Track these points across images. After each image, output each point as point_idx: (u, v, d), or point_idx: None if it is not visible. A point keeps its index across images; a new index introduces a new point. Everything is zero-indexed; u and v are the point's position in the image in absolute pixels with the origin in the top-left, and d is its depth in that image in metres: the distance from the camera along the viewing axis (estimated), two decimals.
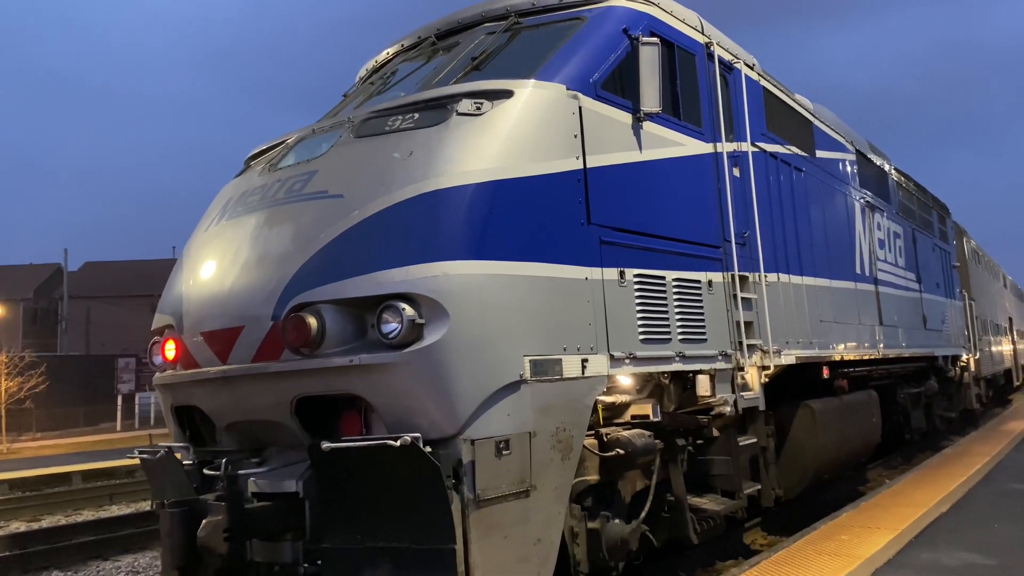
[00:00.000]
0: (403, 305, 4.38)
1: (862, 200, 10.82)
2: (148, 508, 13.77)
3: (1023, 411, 20.47)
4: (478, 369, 4.48)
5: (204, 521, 4.67)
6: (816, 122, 9.63)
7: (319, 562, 4.53)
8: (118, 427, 35.06)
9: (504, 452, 4.50)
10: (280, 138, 6.20)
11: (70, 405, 36.58)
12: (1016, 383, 30.36)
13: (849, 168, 10.59)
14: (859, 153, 11.06)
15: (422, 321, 4.39)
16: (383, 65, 7.21)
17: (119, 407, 36.01)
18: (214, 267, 5.21)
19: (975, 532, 7.08)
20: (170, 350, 5.38)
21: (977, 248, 22.36)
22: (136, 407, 37.84)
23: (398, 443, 4.12)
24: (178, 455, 5.43)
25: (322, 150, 5.36)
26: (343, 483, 4.44)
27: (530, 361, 4.68)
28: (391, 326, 4.41)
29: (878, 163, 12.11)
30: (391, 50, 7.26)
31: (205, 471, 5.25)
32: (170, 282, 5.74)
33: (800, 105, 9.25)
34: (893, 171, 13.07)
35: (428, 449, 4.18)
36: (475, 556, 4.28)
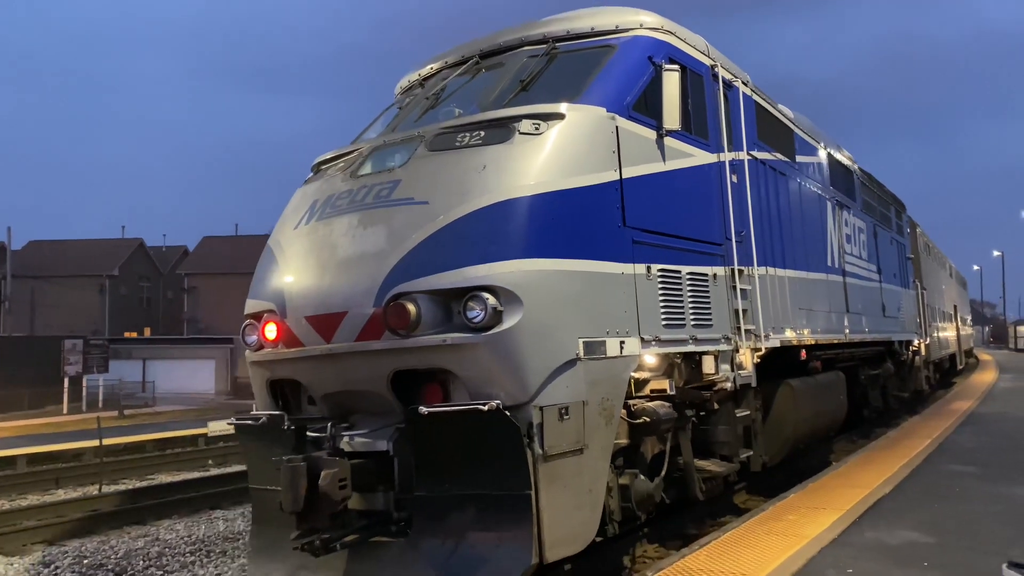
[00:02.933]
0: (487, 295, 5.30)
1: (833, 199, 11.75)
2: (96, 492, 13.53)
3: (964, 393, 21.25)
4: (544, 349, 5.44)
5: (323, 472, 5.36)
6: (796, 130, 10.57)
7: (408, 509, 5.53)
8: (65, 410, 34.25)
9: (565, 417, 5.44)
10: (348, 148, 7.03)
11: (13, 387, 35.63)
12: (960, 367, 31.76)
13: (822, 170, 11.55)
14: (830, 156, 12.04)
15: (501, 309, 5.32)
16: (427, 78, 7.92)
17: (66, 390, 35.17)
18: (314, 261, 6.05)
19: (916, 512, 7.30)
20: (271, 332, 6.19)
21: (928, 241, 23.57)
22: (84, 390, 37.00)
23: (487, 408, 5.08)
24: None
25: (398, 161, 6.19)
26: (435, 441, 5.36)
27: (583, 342, 5.65)
28: (476, 312, 5.32)
29: (846, 164, 13.10)
30: (434, 65, 7.96)
31: (309, 433, 6.00)
32: (262, 273, 6.54)
33: (783, 115, 10.14)
34: (858, 170, 13.99)
35: (507, 413, 5.10)
36: (543, 501, 5.20)
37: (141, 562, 9.34)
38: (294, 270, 6.18)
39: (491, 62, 7.33)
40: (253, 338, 6.43)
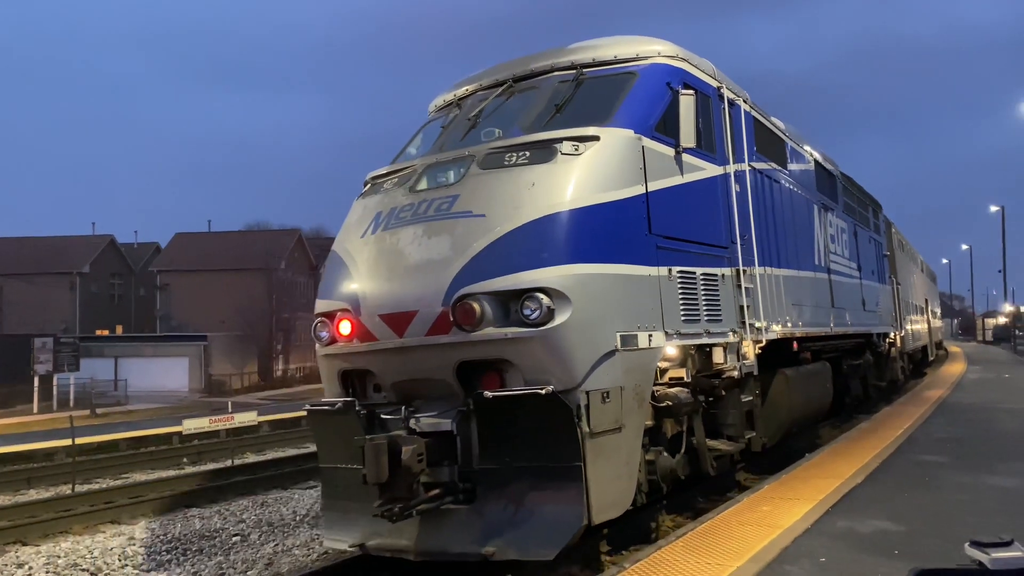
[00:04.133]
0: (541, 295, 6.09)
1: (818, 202, 12.56)
2: (69, 492, 13.38)
3: (935, 384, 21.62)
4: (589, 341, 6.24)
5: (404, 448, 6.04)
6: (787, 140, 11.30)
7: (471, 480, 6.31)
8: (35, 409, 33.76)
9: (606, 400, 6.27)
10: (400, 164, 7.77)
11: None
12: (931, 358, 32.49)
13: (809, 176, 12.34)
14: (816, 162, 12.86)
15: (553, 307, 6.09)
16: (463, 99, 8.54)
17: (36, 389, 34.65)
18: (385, 266, 6.80)
19: (887, 501, 7.44)
20: (345, 328, 6.90)
21: (902, 238, 24.53)
22: (55, 389, 36.49)
23: (544, 392, 5.88)
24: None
25: (452, 178, 6.93)
26: (497, 420, 6.16)
27: (620, 336, 6.46)
28: (532, 310, 6.11)
29: (829, 168, 13.92)
30: (469, 87, 8.57)
31: (383, 416, 6.77)
32: (333, 276, 7.23)
33: (776, 127, 10.84)
34: (840, 174, 14.81)
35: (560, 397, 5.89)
36: (590, 472, 5.98)
37: (117, 561, 9.27)
38: (366, 274, 6.93)
39: (524, 85, 8.01)
40: (325, 334, 7.16)
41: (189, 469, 16.03)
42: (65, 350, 37.32)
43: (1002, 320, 74.98)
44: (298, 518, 11.07)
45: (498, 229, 6.34)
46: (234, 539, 10.10)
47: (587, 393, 6.12)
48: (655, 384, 7.17)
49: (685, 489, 8.45)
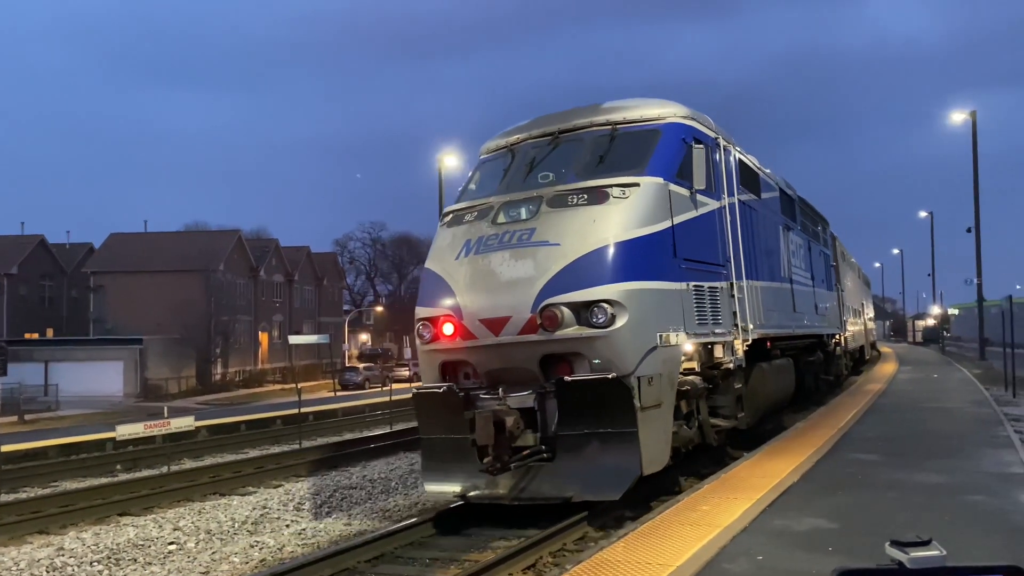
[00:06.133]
0: (606, 305, 8.24)
1: (782, 223, 14.70)
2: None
3: (869, 382, 22.47)
4: (640, 339, 8.41)
5: (508, 419, 8.26)
6: (761, 173, 13.39)
7: (551, 444, 8.44)
8: None
9: (651, 383, 8.44)
10: (474, 202, 9.71)
11: None
12: (867, 358, 33.81)
13: (776, 201, 14.44)
14: (780, 189, 15.04)
15: (614, 313, 8.24)
16: (513, 146, 10.37)
17: None
18: (481, 282, 8.83)
19: (821, 499, 7.63)
20: (448, 329, 8.94)
21: (843, 249, 26.86)
22: None
23: (611, 376, 8.10)
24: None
25: (525, 214, 8.94)
26: (572, 398, 8.24)
27: (659, 335, 8.62)
28: (599, 316, 8.26)
29: (789, 193, 16.16)
30: (520, 136, 10.41)
31: (482, 396, 8.82)
32: (433, 289, 9.25)
33: (753, 163, 12.84)
34: (797, 198, 17.07)
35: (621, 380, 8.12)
36: (641, 436, 8.14)
37: (44, 573, 8.95)
38: (465, 288, 8.92)
39: (567, 136, 9.89)
40: (427, 334, 9.20)
41: (123, 476, 15.56)
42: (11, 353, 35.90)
43: (931, 322, 77.58)
44: (236, 525, 10.85)
45: (571, 255, 8.44)
46: (170, 547, 9.84)
47: (638, 378, 8.25)
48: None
49: (691, 458, 10.29)
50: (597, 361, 8.22)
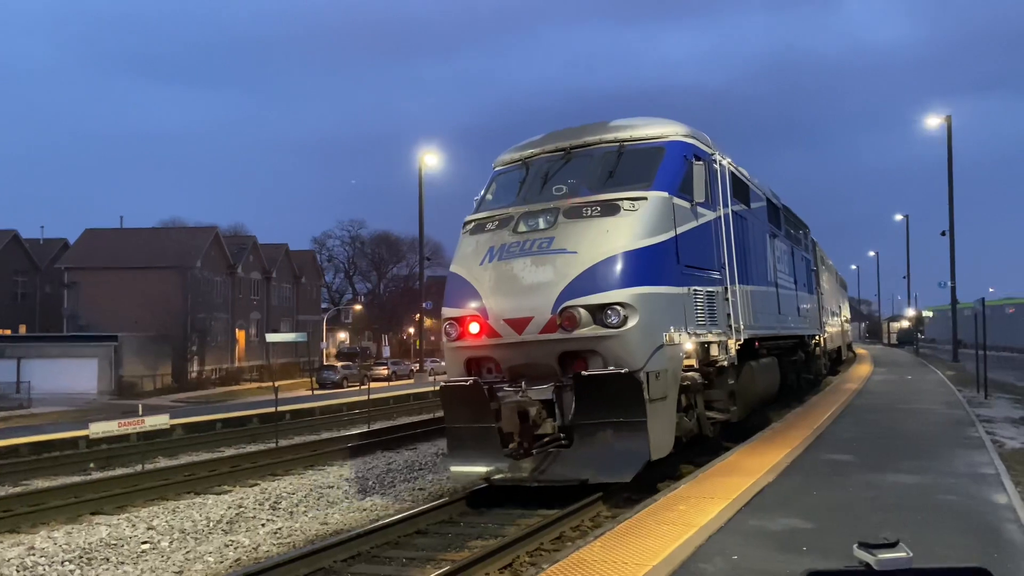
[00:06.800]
0: (619, 307, 9.14)
1: (768, 231, 15.48)
2: None
3: (845, 383, 22.75)
4: (649, 338, 9.30)
5: (531, 408, 9.37)
6: (750, 185, 14.19)
7: (568, 431, 9.41)
8: None
9: (658, 378, 9.28)
10: (494, 212, 10.63)
11: None
12: (844, 358, 34.27)
13: (763, 210, 15.21)
14: (767, 199, 15.78)
15: (626, 315, 9.13)
16: (528, 159, 11.21)
17: None
18: (505, 285, 9.70)
19: (796, 499, 7.68)
20: (474, 328, 9.84)
21: (823, 254, 27.69)
22: None
23: (623, 371, 9.00)
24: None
25: (543, 224, 9.83)
26: (588, 391, 9.11)
27: (665, 335, 9.51)
28: (613, 317, 9.15)
29: (775, 203, 16.94)
30: (534, 151, 11.24)
31: (505, 388, 9.72)
32: (459, 291, 10.12)
33: (743, 175, 13.67)
34: (782, 206, 17.86)
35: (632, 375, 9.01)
36: (650, 425, 9.01)
37: (15, 573, 8.82)
38: (490, 291, 9.80)
39: (578, 152, 10.77)
40: (454, 332, 10.08)
41: (96, 475, 15.37)
42: None
43: (906, 324, 78.45)
44: (211, 524, 10.75)
45: (587, 261, 9.31)
46: (143, 547, 9.73)
47: (647, 373, 9.11)
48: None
49: (688, 447, 11.01)
50: (610, 358, 9.21)
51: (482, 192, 11.53)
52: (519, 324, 9.47)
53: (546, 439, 9.53)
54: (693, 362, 10.36)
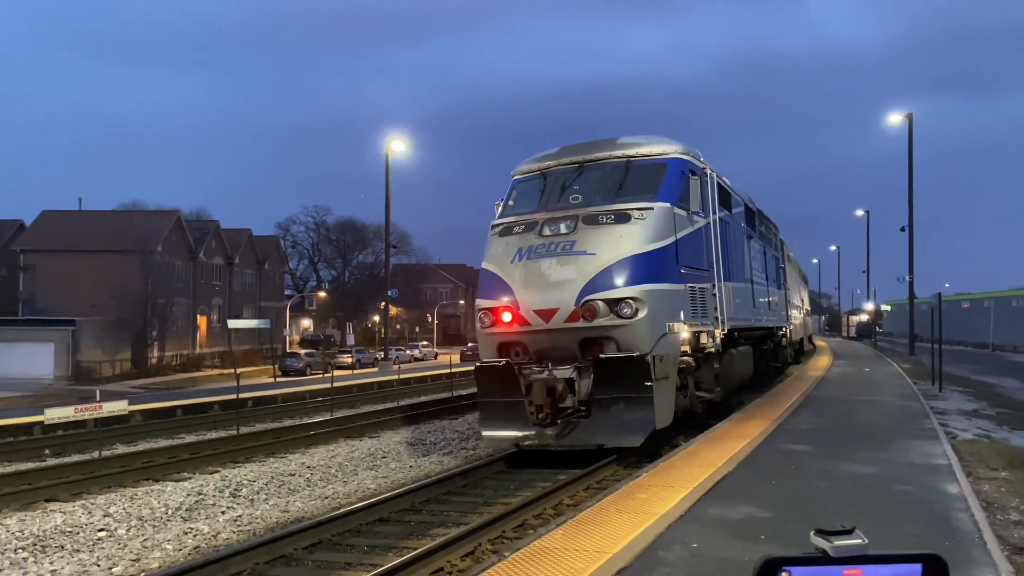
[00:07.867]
0: (631, 301, 10.83)
1: (746, 233, 17.30)
2: None
3: (805, 373, 23.12)
4: (655, 328, 11.01)
5: (558, 385, 11.17)
6: (732, 193, 15.96)
7: (587, 405, 11.14)
8: None
9: (662, 361, 10.96)
10: (519, 217, 12.24)
11: None
12: (806, 349, 35.15)
13: (741, 214, 16.94)
14: (745, 205, 17.62)
15: (637, 308, 10.82)
16: (545, 171, 12.86)
17: None
18: (534, 281, 11.33)
19: (755, 488, 7.79)
20: (507, 317, 11.45)
21: (789, 252, 29.48)
22: None
23: (635, 354, 10.68)
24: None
25: (564, 229, 11.46)
26: (605, 371, 10.81)
27: (667, 325, 11.22)
28: (626, 309, 10.82)
29: (751, 207, 18.65)
30: (550, 163, 12.94)
31: (534, 368, 11.45)
32: (493, 285, 11.76)
33: (727, 184, 15.35)
34: (757, 210, 19.67)
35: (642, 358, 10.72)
36: (655, 399, 10.68)
37: None
38: (521, 285, 11.43)
39: (590, 166, 12.51)
40: (488, 320, 11.68)
41: (51, 461, 15.09)
42: None
43: (864, 317, 79.85)
44: (170, 511, 10.61)
45: (604, 262, 11.00)
46: (99, 534, 9.57)
47: (653, 356, 10.78)
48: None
49: (680, 422, 12.40)
50: (623, 344, 10.87)
51: (504, 198, 13.13)
52: (547, 314, 11.12)
53: (569, 411, 11.31)
54: (687, 348, 12.10)
